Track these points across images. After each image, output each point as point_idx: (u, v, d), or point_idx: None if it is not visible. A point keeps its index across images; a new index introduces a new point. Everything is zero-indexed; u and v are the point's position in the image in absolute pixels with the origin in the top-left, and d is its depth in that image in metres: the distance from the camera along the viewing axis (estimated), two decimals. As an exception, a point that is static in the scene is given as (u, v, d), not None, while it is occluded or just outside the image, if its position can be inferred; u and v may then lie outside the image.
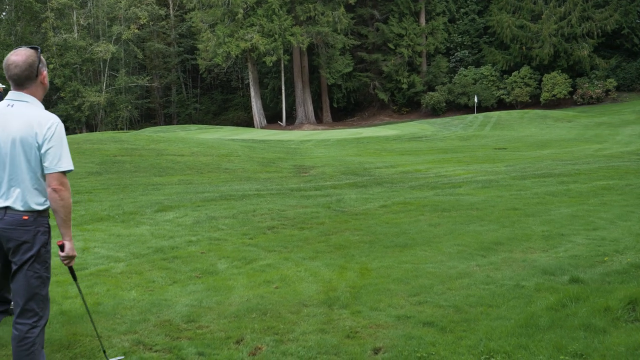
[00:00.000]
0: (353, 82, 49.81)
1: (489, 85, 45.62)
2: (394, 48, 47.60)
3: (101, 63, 53.04)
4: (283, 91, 49.11)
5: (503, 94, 45.06)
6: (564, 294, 4.70)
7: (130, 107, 54.20)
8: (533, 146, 21.55)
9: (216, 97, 62.26)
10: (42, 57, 3.32)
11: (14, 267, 3.27)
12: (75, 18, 51.65)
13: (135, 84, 54.08)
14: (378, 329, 4.34)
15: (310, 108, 50.08)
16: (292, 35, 43.96)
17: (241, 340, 4.20)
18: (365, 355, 3.92)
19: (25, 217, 3.22)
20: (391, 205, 9.67)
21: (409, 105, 49.80)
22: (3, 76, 3.35)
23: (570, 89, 42.79)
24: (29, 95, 3.29)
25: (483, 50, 47.78)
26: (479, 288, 5.19)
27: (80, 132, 47.38)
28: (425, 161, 17.74)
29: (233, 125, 48.48)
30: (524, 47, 44.30)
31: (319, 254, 6.65)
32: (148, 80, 55.23)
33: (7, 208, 3.22)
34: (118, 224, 8.49)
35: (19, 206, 3.22)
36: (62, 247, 3.33)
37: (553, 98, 42.77)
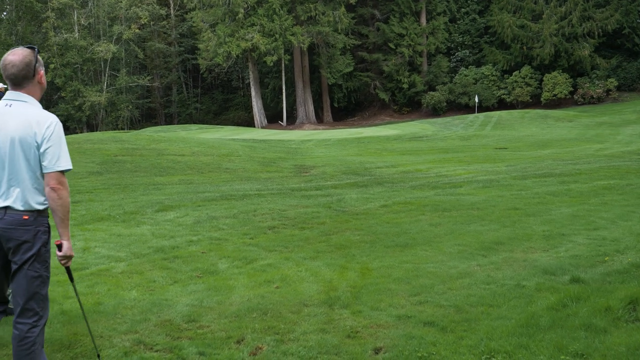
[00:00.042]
0: (354, 82, 49.81)
1: (490, 85, 45.61)
2: (394, 48, 47.60)
3: (102, 63, 53.06)
4: (284, 91, 49.12)
5: (504, 94, 45.05)
6: (565, 294, 4.70)
7: (131, 106, 54.23)
8: (534, 146, 21.53)
9: (217, 97, 62.28)
10: (39, 56, 3.33)
11: (14, 267, 3.27)
12: (76, 18, 51.68)
13: (136, 83, 54.10)
14: (379, 329, 4.34)
15: (311, 108, 50.08)
16: (292, 35, 43.96)
17: (242, 340, 4.20)
18: (366, 355, 3.92)
19: (26, 217, 3.23)
20: (392, 205, 9.67)
21: (409, 105, 49.80)
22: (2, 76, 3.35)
23: (571, 88, 42.78)
24: (27, 95, 3.29)
25: (484, 50, 47.79)
26: (480, 288, 5.19)
27: (81, 132, 47.40)
28: (426, 161, 17.74)
29: (234, 125, 48.48)
30: (524, 47, 44.29)
31: (320, 253, 6.65)
32: (149, 80, 55.25)
33: (7, 208, 3.22)
34: (119, 223, 8.49)
35: (19, 206, 3.22)
36: (59, 247, 3.34)
37: (554, 98, 42.75)
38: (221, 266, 6.19)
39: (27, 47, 3.30)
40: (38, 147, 3.20)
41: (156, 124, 55.51)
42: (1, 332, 4.27)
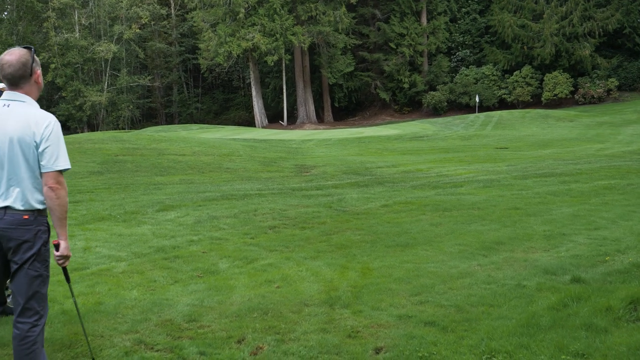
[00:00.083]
0: (354, 82, 49.81)
1: (491, 84, 45.60)
2: (395, 47, 47.59)
3: (103, 63, 53.09)
4: (284, 91, 49.12)
5: (504, 94, 45.03)
6: (566, 294, 4.70)
7: (131, 106, 54.25)
8: (534, 146, 21.52)
9: (217, 97, 62.29)
10: (35, 56, 3.33)
11: (14, 267, 3.28)
12: (76, 18, 51.70)
13: (136, 83, 54.13)
14: (379, 329, 4.34)
15: (312, 107, 50.08)
16: (293, 34, 43.97)
17: (242, 340, 4.20)
18: (366, 355, 3.91)
19: (26, 217, 3.23)
20: (392, 204, 9.67)
21: (410, 105, 49.79)
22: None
23: (572, 88, 42.76)
24: (24, 95, 3.30)
25: (484, 49, 47.78)
26: (481, 288, 5.19)
27: (82, 132, 47.43)
28: (427, 161, 17.73)
29: (234, 125, 48.50)
30: (525, 47, 44.27)
31: (321, 253, 6.65)
32: (149, 80, 55.27)
33: (7, 208, 3.23)
34: (119, 223, 8.50)
35: (19, 205, 3.22)
36: (57, 247, 3.34)
37: (554, 97, 42.74)
38: (222, 266, 6.19)
39: (24, 47, 3.32)
40: (37, 146, 3.21)
41: (157, 124, 55.54)
42: (1, 331, 4.27)
